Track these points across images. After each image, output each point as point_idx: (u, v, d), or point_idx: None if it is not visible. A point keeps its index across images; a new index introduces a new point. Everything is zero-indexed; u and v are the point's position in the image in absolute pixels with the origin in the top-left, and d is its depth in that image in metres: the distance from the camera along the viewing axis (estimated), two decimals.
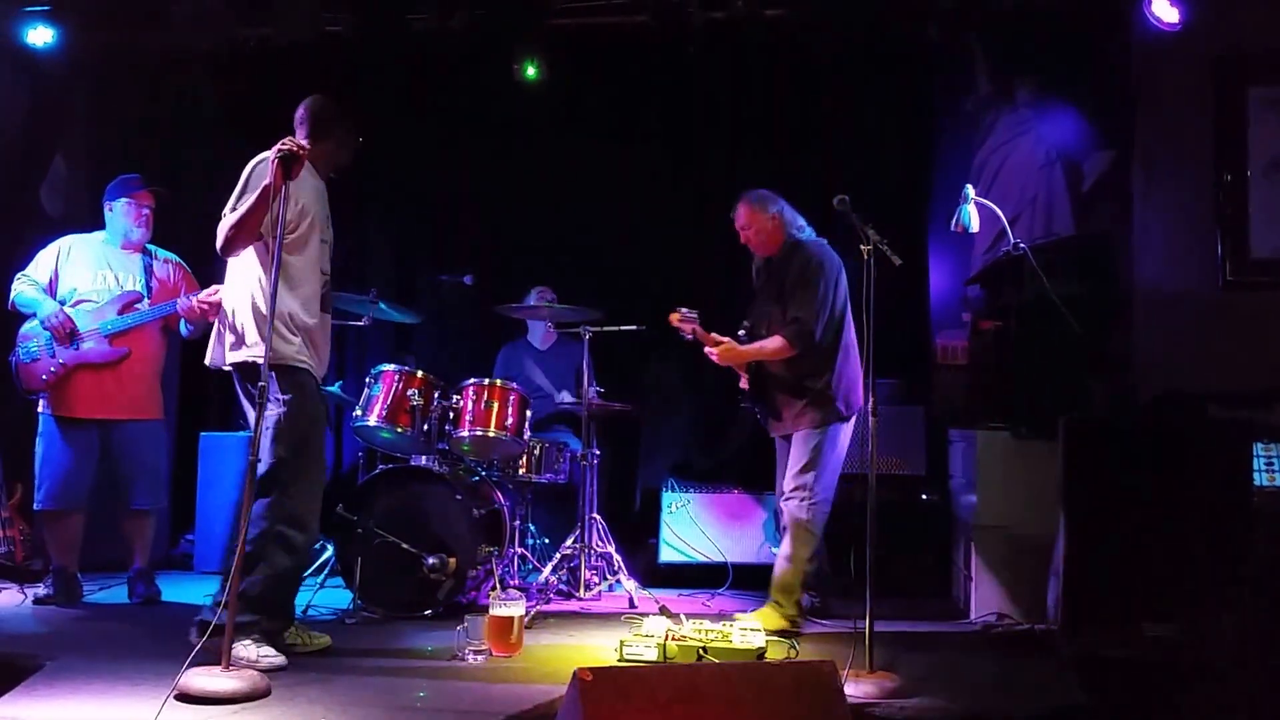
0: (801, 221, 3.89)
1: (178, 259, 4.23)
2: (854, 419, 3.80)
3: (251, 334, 3.17)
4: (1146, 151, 4.45)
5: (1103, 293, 4.08)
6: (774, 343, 3.74)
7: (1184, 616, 3.18)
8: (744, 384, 3.95)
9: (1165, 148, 4.43)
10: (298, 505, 3.13)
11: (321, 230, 3.29)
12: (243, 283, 3.22)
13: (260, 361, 3.06)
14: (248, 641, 3.00)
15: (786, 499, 3.75)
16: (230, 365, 3.22)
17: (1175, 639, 3.17)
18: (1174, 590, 3.20)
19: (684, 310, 3.91)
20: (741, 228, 3.89)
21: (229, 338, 3.22)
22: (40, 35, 4.91)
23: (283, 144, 2.99)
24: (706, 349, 3.89)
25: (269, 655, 3.01)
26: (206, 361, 3.31)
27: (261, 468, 3.02)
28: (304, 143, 3.08)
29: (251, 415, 3.02)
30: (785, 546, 3.73)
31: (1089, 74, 4.60)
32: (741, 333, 3.91)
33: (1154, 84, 4.43)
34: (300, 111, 3.33)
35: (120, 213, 4.07)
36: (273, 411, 3.09)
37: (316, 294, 3.27)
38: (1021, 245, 4.01)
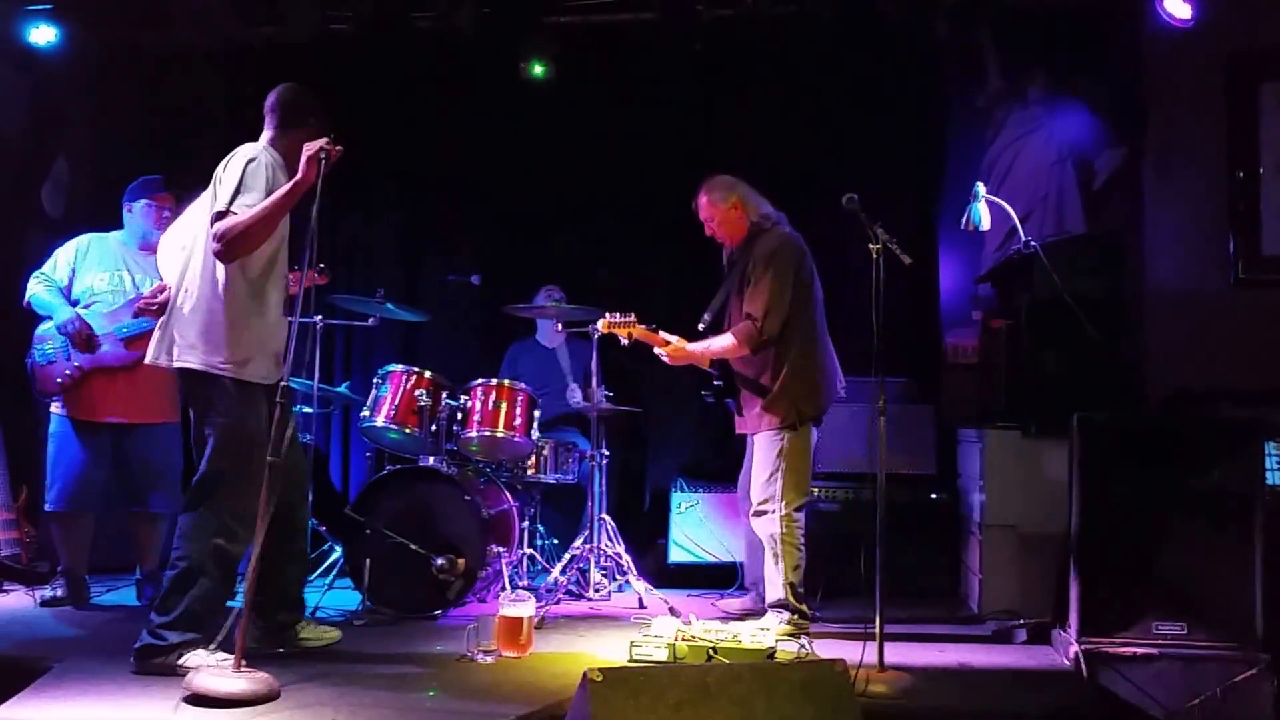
0: (767, 208, 3.73)
1: None
2: (821, 419, 3.65)
3: (205, 339, 3.00)
4: (1158, 148, 4.43)
5: (1114, 291, 4.04)
6: (724, 341, 3.61)
7: (1194, 616, 3.16)
8: (713, 373, 3.76)
9: (1177, 145, 4.40)
10: (234, 520, 2.97)
11: (285, 231, 3.14)
12: (201, 280, 3.03)
13: (206, 370, 2.98)
14: (200, 650, 2.91)
15: (755, 513, 3.62)
16: (176, 369, 3.05)
17: (1186, 638, 3.15)
18: (1185, 589, 3.18)
19: (613, 316, 3.73)
20: (705, 220, 3.75)
21: (178, 338, 3.03)
22: (43, 34, 4.91)
23: (321, 144, 2.89)
24: (656, 350, 3.73)
25: (225, 657, 2.89)
26: (147, 359, 3.14)
27: (195, 477, 2.99)
28: (338, 146, 2.93)
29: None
30: (769, 564, 3.59)
31: (1100, 70, 4.57)
32: (702, 326, 3.78)
33: (1166, 80, 4.41)
34: (270, 99, 3.16)
35: (140, 214, 4.05)
36: (217, 422, 3.00)
37: (279, 294, 3.16)
38: (1032, 243, 3.99)
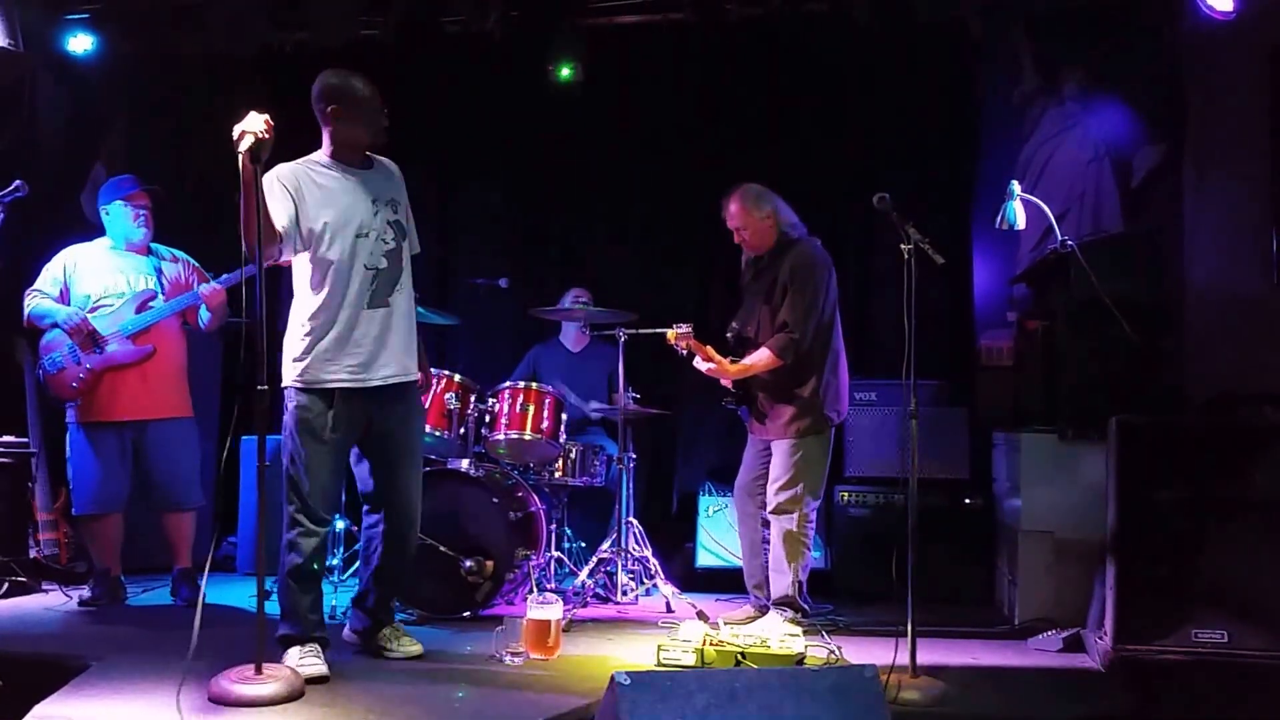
0: (794, 219, 3.80)
1: (186, 256, 4.19)
2: (837, 426, 3.77)
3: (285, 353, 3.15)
4: (1198, 146, 4.31)
5: (1153, 291, 3.96)
6: (763, 358, 3.67)
7: (1236, 624, 3.09)
8: (726, 382, 3.83)
9: (1218, 142, 4.28)
10: (292, 517, 3.12)
11: (359, 226, 3.10)
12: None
13: (281, 385, 3.11)
14: (293, 649, 3.03)
15: (776, 513, 3.69)
16: None
17: (1227, 647, 3.08)
18: (1226, 597, 3.11)
19: (678, 326, 3.80)
20: (736, 228, 3.80)
21: None
22: (80, 43, 4.99)
23: (237, 129, 2.74)
24: (697, 361, 3.79)
25: (303, 664, 2.98)
26: None
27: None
28: (265, 123, 2.78)
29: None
30: (777, 562, 3.68)
31: (1138, 65, 4.47)
32: (729, 334, 3.87)
33: (1206, 75, 4.29)
34: (313, 91, 3.15)
35: (117, 215, 4.04)
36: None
37: (358, 291, 3.10)
38: (1069, 243, 3.91)
